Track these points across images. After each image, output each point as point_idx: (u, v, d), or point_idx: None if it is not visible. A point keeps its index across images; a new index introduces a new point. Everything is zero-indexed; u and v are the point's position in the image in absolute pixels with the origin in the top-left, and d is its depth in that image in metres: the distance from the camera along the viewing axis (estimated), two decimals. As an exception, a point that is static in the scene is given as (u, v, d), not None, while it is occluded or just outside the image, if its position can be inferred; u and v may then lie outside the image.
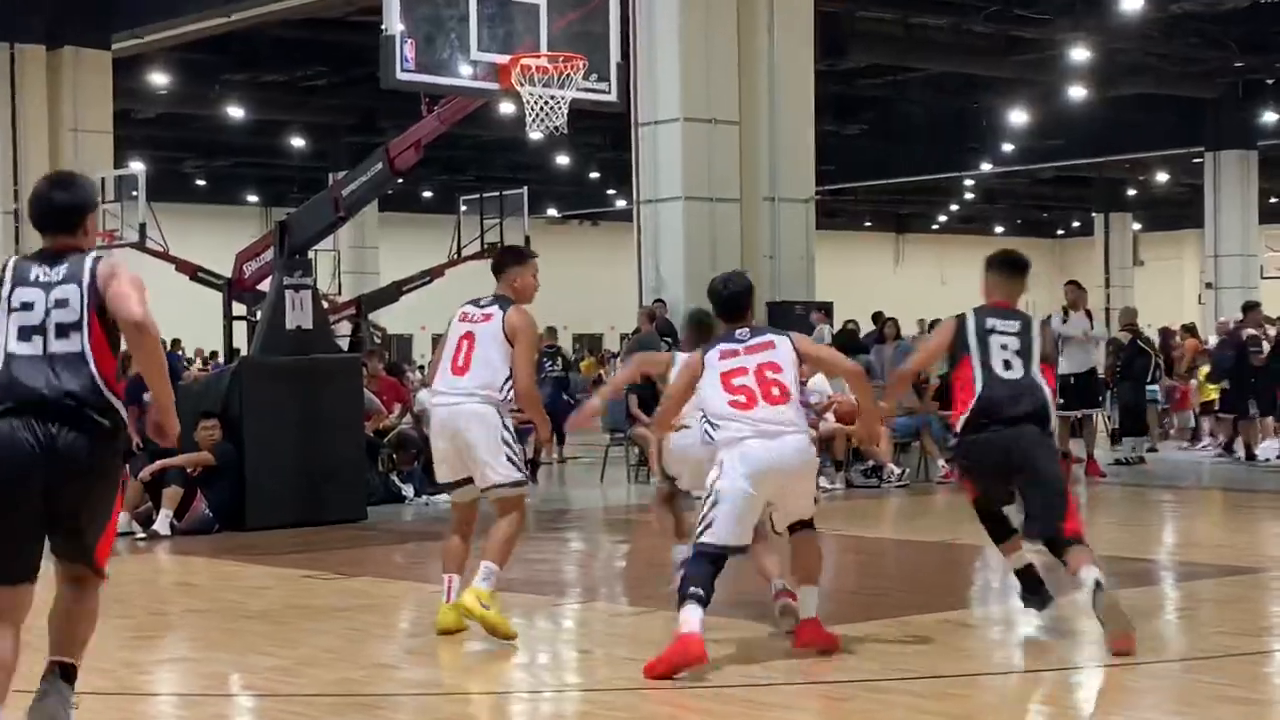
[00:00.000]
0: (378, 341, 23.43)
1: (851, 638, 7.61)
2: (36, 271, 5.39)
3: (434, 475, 15.40)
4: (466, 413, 7.74)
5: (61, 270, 5.36)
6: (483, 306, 8.03)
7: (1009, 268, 8.13)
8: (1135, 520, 13.80)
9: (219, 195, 46.00)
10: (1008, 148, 37.85)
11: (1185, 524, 13.85)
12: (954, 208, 54.68)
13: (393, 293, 23.95)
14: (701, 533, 7.02)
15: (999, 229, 59.88)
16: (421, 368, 33.25)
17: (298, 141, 38.88)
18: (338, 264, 33.92)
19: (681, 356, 8.10)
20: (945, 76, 32.34)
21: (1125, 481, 16.70)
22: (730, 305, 7.55)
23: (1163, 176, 44.58)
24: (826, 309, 19.18)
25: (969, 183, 47.26)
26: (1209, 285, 36.20)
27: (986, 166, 40.25)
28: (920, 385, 17.20)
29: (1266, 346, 19.25)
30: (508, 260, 8.28)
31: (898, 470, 16.42)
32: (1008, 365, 7.61)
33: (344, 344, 20.90)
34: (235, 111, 34.20)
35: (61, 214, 5.49)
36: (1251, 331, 19.02)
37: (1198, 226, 37.96)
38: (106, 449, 5.31)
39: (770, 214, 18.94)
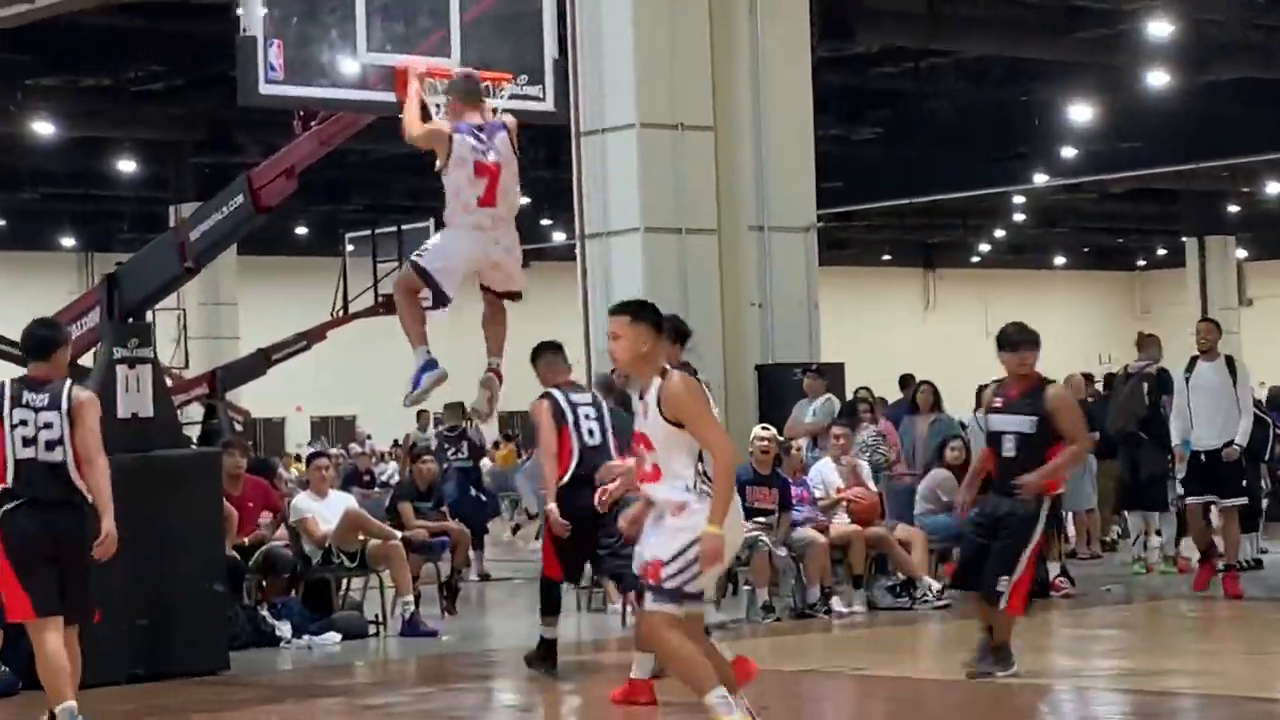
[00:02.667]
0: (239, 429, 23.38)
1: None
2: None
3: (318, 607, 15.42)
4: None
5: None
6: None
7: None
8: (1262, 646, 13.81)
9: (23, 239, 45.95)
10: (1068, 153, 38.14)
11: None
12: (999, 234, 55.02)
13: (258, 363, 23.93)
14: None
15: (1059, 260, 60.39)
16: (300, 458, 33.24)
17: (127, 165, 38.92)
18: (183, 327, 33.81)
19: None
20: (984, 62, 32.62)
21: (1244, 593, 16.62)
22: None
23: (1275, 188, 44.96)
24: (833, 373, 19.20)
25: (1018, 200, 47.56)
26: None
27: (1041, 179, 40.54)
28: (960, 470, 17.28)
29: None
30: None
31: (936, 585, 16.42)
32: None
33: (194, 434, 20.83)
34: (44, 127, 34.20)
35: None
36: None
37: (1322, 252, 38.28)
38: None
39: (759, 248, 19.04)
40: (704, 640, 8.99)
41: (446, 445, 22.76)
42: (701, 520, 8.42)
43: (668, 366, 8.80)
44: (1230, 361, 17.13)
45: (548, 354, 12.83)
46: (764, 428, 16.55)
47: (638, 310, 8.89)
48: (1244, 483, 17.02)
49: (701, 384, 9.98)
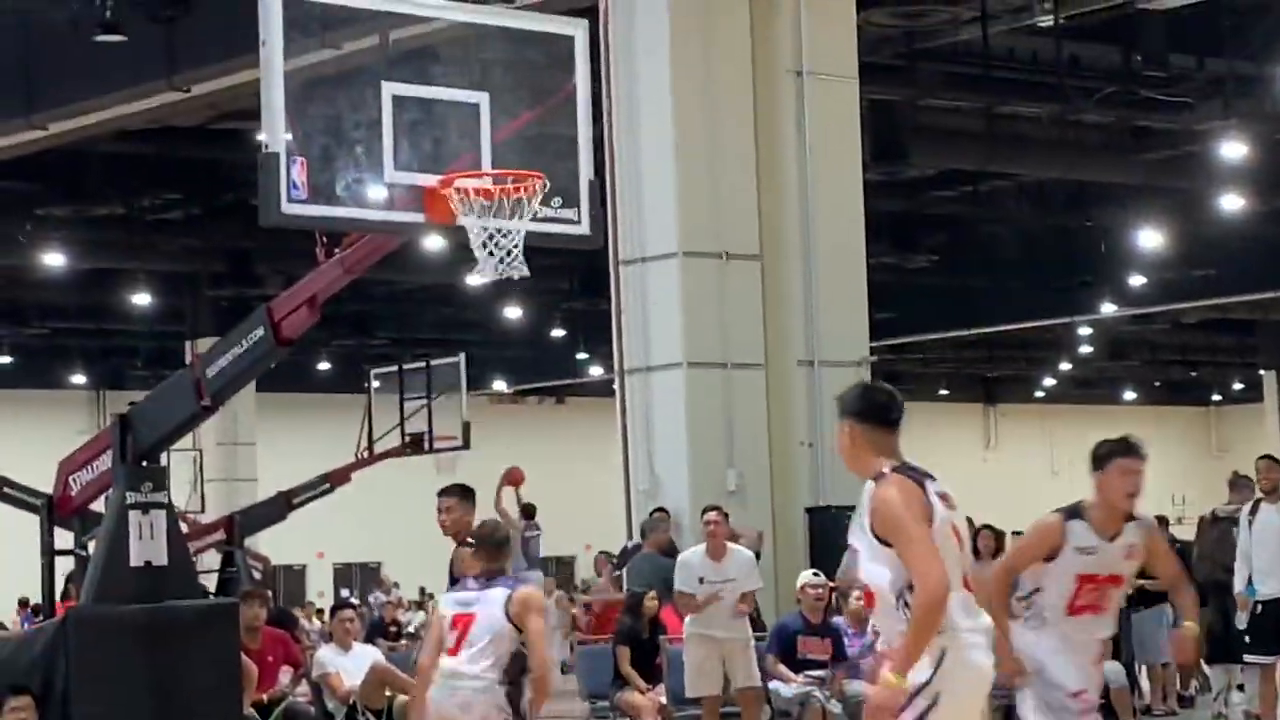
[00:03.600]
0: (258, 578, 23.39)
1: None
2: None
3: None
4: None
5: None
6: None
7: None
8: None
9: (32, 376, 46.15)
10: (1137, 281, 38.11)
11: None
12: (1065, 367, 54.96)
13: (279, 507, 23.95)
14: None
15: (1129, 394, 60.26)
16: (321, 612, 33.16)
17: (141, 298, 39.10)
18: (200, 469, 33.90)
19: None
20: (1046, 185, 32.69)
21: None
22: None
23: (1357, 316, 44.86)
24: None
25: (1084, 332, 47.53)
26: None
27: (1109, 308, 40.50)
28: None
29: None
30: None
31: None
32: None
33: (211, 583, 20.83)
34: (54, 259, 34.43)
35: None
36: None
37: None
38: None
39: (809, 383, 19.02)
40: None
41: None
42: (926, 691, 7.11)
43: (886, 470, 7.55)
44: None
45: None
46: (814, 574, 16.54)
47: (840, 400, 7.80)
48: None
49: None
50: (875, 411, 7.70)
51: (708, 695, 15.46)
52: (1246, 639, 16.71)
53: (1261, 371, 52.19)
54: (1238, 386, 58.32)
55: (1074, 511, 9.46)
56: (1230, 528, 18.28)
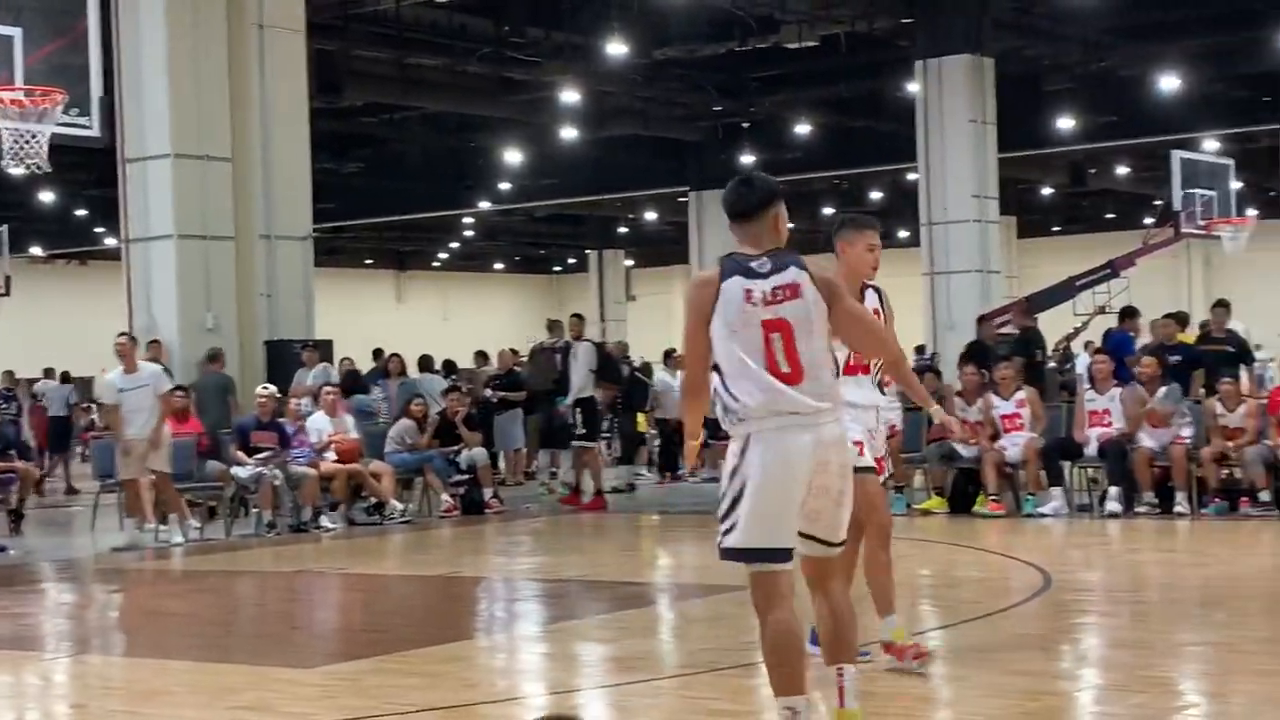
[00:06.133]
0: None
1: (350, 674, 7.60)
2: None
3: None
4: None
5: None
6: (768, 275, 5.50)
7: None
8: (631, 546, 14.32)
9: None
10: (505, 186, 38.59)
11: (675, 547, 14.45)
12: (454, 245, 55.27)
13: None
14: None
15: (498, 265, 61.02)
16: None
17: None
18: None
19: None
20: (441, 115, 32.72)
21: (621, 509, 17.30)
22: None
23: (651, 215, 46.40)
24: (325, 347, 19.10)
25: (468, 220, 47.88)
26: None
27: (485, 204, 40.92)
28: (421, 421, 17.40)
29: None
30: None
31: (400, 506, 16.49)
32: None
33: None
34: None
35: None
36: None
37: (685, 262, 39.71)
38: None
39: (267, 251, 18.74)
40: None
41: (3, 403, 22.65)
42: None
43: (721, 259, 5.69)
44: (601, 346, 18.09)
45: None
46: (265, 387, 16.39)
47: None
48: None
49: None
50: (728, 208, 5.63)
51: (134, 478, 14.74)
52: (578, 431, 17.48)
53: (588, 251, 53.51)
54: (571, 261, 59.65)
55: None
56: (553, 355, 19.27)
